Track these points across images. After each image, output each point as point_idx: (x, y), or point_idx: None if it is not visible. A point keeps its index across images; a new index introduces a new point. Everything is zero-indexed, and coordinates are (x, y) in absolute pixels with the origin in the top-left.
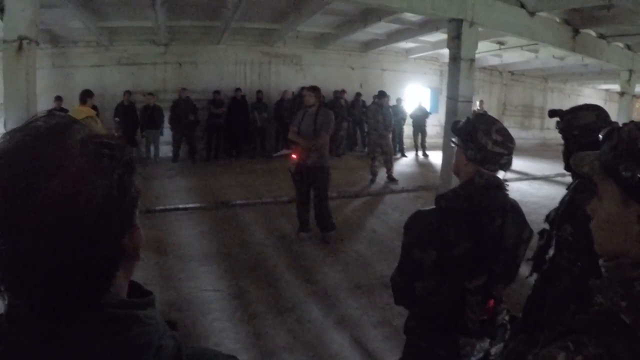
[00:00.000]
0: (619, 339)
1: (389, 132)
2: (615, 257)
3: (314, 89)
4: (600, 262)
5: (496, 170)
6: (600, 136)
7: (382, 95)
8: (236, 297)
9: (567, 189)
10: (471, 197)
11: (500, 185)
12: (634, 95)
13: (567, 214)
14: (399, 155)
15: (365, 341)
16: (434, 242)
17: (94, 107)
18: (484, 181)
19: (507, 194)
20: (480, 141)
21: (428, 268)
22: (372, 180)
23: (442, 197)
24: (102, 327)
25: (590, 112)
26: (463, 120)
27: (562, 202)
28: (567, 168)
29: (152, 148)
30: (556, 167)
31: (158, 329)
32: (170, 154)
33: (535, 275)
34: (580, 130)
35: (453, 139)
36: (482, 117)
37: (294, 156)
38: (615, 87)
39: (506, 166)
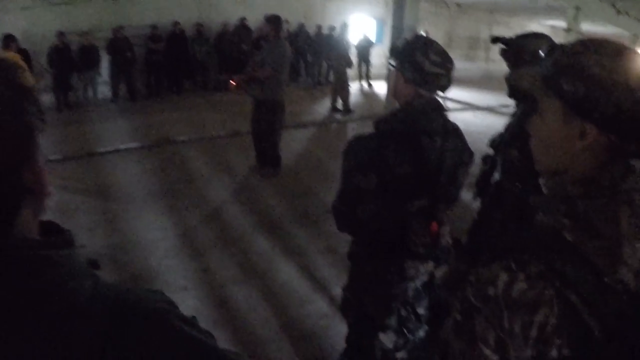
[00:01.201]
0: (562, 256)
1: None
2: (556, 175)
3: (271, 20)
4: (541, 180)
5: (435, 92)
6: (542, 53)
7: (346, 27)
8: (182, 233)
9: (512, 115)
10: (410, 119)
11: (440, 107)
12: (579, 33)
13: (513, 138)
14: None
15: (313, 269)
16: (374, 165)
17: (23, 51)
18: (423, 103)
19: (447, 116)
20: (417, 62)
21: (369, 192)
22: (348, 111)
23: (381, 121)
24: (8, 270)
25: (542, 39)
26: (400, 42)
27: (508, 127)
28: (511, 94)
29: (90, 90)
30: (500, 99)
31: (74, 269)
32: (109, 95)
33: (479, 200)
34: (532, 55)
35: (391, 62)
36: (419, 39)
37: (232, 83)
38: (562, 23)
39: (445, 87)
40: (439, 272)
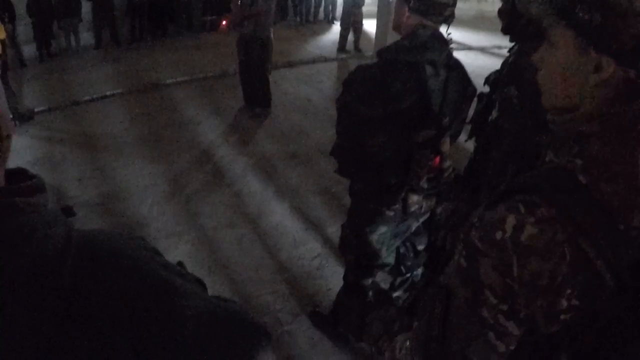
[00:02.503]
0: (574, 199)
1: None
2: (566, 112)
3: None
4: (549, 116)
5: (440, 23)
6: None
7: None
8: (172, 179)
9: (508, 52)
10: (415, 49)
11: (444, 40)
12: None
13: (511, 76)
14: (334, 22)
15: (306, 209)
16: (379, 96)
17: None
18: (428, 33)
19: (451, 50)
20: None
21: (376, 123)
22: (344, 48)
23: (385, 50)
24: None
25: None
26: None
27: (505, 64)
28: (505, 30)
29: (71, 38)
30: (492, 39)
31: (44, 217)
32: (92, 42)
33: (473, 140)
34: None
35: None
36: None
37: (224, 22)
38: None
39: (449, 19)
40: (440, 209)
